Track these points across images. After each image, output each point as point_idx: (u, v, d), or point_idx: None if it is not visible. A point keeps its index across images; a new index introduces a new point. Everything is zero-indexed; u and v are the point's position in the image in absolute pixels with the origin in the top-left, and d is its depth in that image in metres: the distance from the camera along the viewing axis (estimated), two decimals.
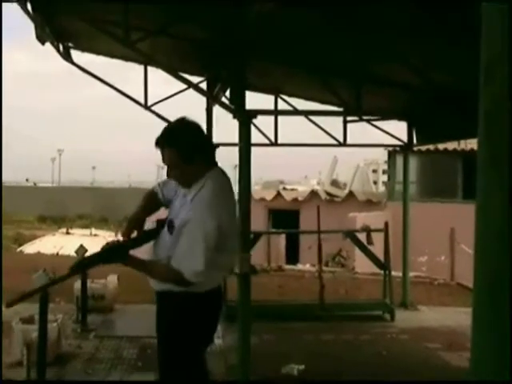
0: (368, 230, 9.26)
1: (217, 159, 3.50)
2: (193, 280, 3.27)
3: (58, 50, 7.61)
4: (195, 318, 3.47)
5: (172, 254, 3.33)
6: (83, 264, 3.57)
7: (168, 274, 3.35)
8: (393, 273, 8.93)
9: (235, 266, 3.89)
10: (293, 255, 16.51)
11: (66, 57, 7.82)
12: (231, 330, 7.02)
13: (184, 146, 3.26)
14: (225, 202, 3.39)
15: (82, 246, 7.73)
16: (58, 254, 18.57)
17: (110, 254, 3.40)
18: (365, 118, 9.36)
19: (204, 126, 8.83)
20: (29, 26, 6.52)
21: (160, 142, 3.29)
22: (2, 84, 4.62)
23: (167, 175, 3.41)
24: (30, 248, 22.75)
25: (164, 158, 3.31)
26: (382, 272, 9.01)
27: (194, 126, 3.37)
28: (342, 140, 9.78)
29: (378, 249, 9.07)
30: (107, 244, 3.47)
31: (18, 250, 22.47)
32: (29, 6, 5.76)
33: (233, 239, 3.55)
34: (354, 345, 7.40)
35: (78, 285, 7.83)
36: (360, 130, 11.09)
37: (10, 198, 42.48)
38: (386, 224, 8.97)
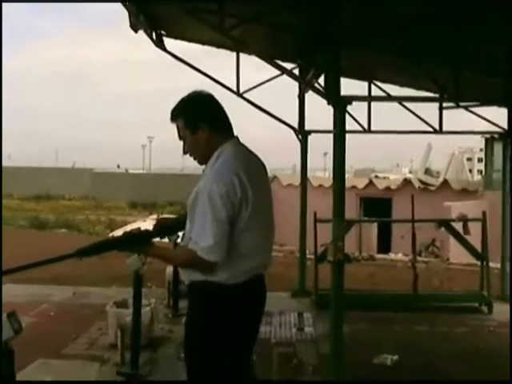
0: (465, 220, 8.97)
1: (236, 133, 3.18)
2: (206, 258, 2.93)
3: (152, 38, 7.71)
4: (220, 315, 3.05)
5: (190, 234, 3.07)
6: (94, 248, 3.32)
7: (185, 256, 3.09)
8: (490, 264, 8.62)
9: (269, 258, 3.28)
10: (384, 244, 16.26)
11: (159, 44, 7.92)
12: (322, 318, 6.99)
13: (188, 113, 3.07)
14: (244, 173, 2.96)
15: None
16: None
17: (127, 241, 3.25)
18: (462, 104, 9.04)
19: (296, 113, 9.00)
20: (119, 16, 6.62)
21: (171, 115, 3.12)
22: (1, 84, 4.66)
23: (183, 151, 3.16)
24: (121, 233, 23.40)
25: (178, 133, 3.14)
26: (479, 263, 8.72)
27: (203, 95, 3.15)
28: (437, 127, 9.49)
29: (474, 239, 8.77)
30: (130, 232, 3.28)
31: (110, 235, 23.19)
32: None
33: (264, 221, 3.13)
34: (449, 337, 7.19)
35: (169, 269, 7.96)
36: (455, 117, 10.74)
37: (102, 185, 43.88)
38: (484, 213, 8.67)
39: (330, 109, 5.61)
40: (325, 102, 5.77)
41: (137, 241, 3.23)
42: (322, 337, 6.61)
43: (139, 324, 5.34)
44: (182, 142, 3.13)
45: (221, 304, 3.04)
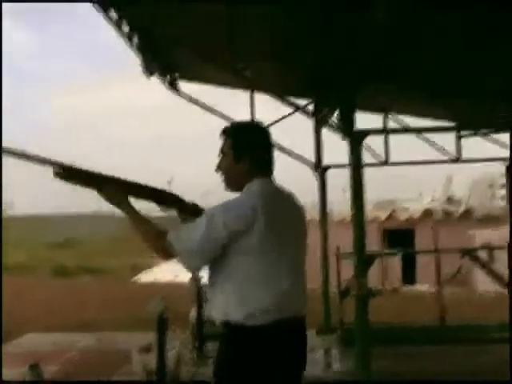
0: (489, 248, 8.86)
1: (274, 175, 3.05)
2: (177, 252, 2.78)
3: (165, 82, 7.78)
4: (242, 363, 2.77)
5: None
6: (82, 174, 2.90)
7: (157, 234, 2.91)
8: None
9: (303, 299, 3.01)
10: (409, 275, 16.08)
11: (173, 88, 7.99)
12: (349, 355, 6.89)
13: (241, 141, 2.99)
14: (262, 207, 2.79)
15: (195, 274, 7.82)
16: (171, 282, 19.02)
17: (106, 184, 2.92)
18: (480, 132, 8.99)
19: (312, 148, 9.00)
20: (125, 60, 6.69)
21: (224, 131, 3.05)
22: (1, 85, 4.69)
23: (217, 166, 3.04)
24: (145, 277, 23.51)
25: (222, 148, 3.05)
26: (507, 291, 8.56)
27: (260, 128, 3.11)
28: (455, 155, 9.44)
29: (502, 267, 8.63)
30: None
31: (133, 279, 23.32)
32: (135, 41, 5.96)
33: (290, 261, 2.90)
34: (482, 370, 7.02)
35: (193, 312, 7.92)
36: (474, 144, 10.68)
37: (125, 229, 44.06)
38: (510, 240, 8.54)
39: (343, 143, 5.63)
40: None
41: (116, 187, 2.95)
42: (348, 374, 6.50)
43: (165, 368, 5.30)
44: (219, 158, 3.04)
45: (243, 350, 2.78)
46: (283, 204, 2.98)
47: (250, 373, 2.75)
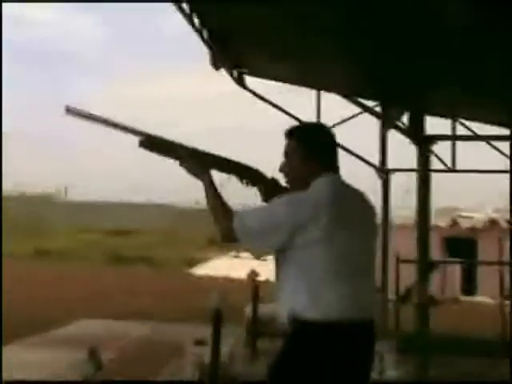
0: None
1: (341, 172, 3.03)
2: (233, 231, 2.77)
3: (233, 76, 7.77)
4: (307, 359, 2.72)
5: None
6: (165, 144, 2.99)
7: (225, 214, 2.85)
8: None
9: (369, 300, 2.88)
10: (468, 287, 15.72)
11: (240, 82, 7.98)
12: (405, 362, 6.76)
13: (306, 141, 2.98)
14: (326, 203, 2.76)
15: (253, 270, 7.83)
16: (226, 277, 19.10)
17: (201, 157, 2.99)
18: None
19: (378, 152, 8.87)
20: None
21: (289, 133, 3.03)
22: (1, 84, 4.69)
23: (280, 168, 3.04)
24: (200, 270, 23.66)
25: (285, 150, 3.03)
26: None
27: (325, 129, 3.14)
28: None
29: None
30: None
31: (188, 271, 23.48)
32: (205, 34, 5.97)
33: (360, 258, 2.86)
34: None
35: (248, 308, 7.90)
36: None
37: (180, 220, 44.47)
38: None
39: (408, 146, 5.49)
40: (404, 140, 5.66)
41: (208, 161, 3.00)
42: (405, 382, 6.37)
43: (217, 363, 5.27)
44: (283, 160, 3.03)
45: (308, 347, 2.73)
46: (352, 200, 2.94)
47: (312, 371, 2.70)
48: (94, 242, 33.67)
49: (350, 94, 6.72)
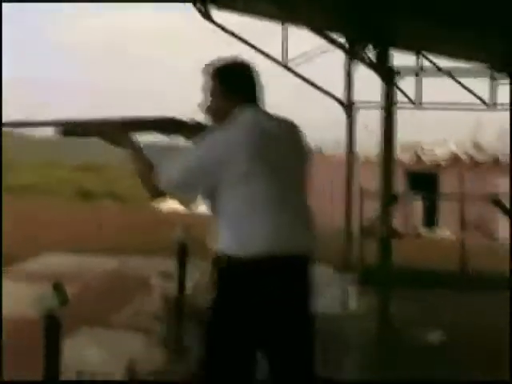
0: None
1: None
2: (162, 185, 2.77)
3: (199, 10, 7.61)
4: (230, 295, 2.80)
5: None
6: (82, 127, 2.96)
7: (149, 172, 2.83)
8: None
9: (306, 233, 2.85)
10: (430, 220, 16.02)
11: (207, 16, 7.82)
12: (367, 294, 6.90)
13: (228, 78, 2.97)
14: (252, 131, 2.76)
15: None
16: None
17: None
18: None
19: (343, 85, 8.84)
20: None
21: (207, 71, 2.99)
22: (1, 83, 4.59)
23: (207, 108, 2.99)
24: (167, 205, 23.64)
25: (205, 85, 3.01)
26: None
27: (245, 65, 3.03)
28: (489, 101, 9.21)
29: None
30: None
31: (155, 206, 23.41)
32: None
33: (287, 191, 2.81)
34: (499, 316, 7.01)
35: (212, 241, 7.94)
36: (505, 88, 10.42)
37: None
38: None
39: (373, 83, 5.48)
40: (370, 75, 5.63)
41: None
42: (366, 313, 6.52)
43: (183, 296, 5.32)
44: (206, 100, 2.98)
45: (235, 283, 2.77)
46: (276, 131, 2.87)
47: (241, 306, 2.75)
48: (61, 179, 33.26)
49: (316, 28, 6.62)
